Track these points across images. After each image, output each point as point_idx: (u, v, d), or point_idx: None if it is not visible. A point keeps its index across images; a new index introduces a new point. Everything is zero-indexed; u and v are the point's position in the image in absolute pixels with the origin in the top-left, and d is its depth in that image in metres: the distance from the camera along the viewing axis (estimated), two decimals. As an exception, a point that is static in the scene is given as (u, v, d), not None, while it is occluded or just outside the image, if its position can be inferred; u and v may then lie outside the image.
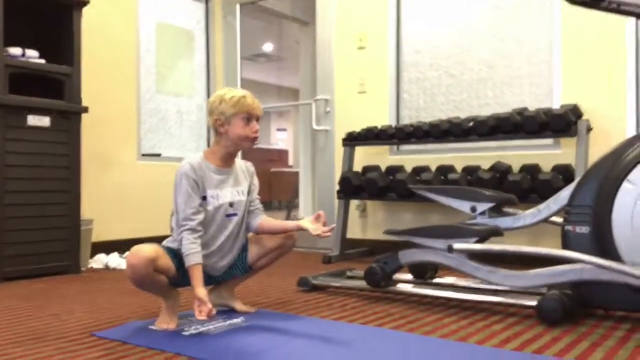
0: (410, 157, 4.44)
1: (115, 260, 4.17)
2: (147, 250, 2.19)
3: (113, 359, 1.90)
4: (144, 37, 4.97)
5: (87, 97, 4.00)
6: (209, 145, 5.56)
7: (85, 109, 3.92)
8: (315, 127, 5.01)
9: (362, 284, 2.99)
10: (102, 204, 4.45)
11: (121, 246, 4.42)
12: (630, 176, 2.33)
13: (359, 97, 4.73)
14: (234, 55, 5.66)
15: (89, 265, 4.11)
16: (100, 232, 4.35)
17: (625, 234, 2.32)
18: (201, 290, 2.18)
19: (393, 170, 4.24)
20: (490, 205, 2.85)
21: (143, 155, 4.91)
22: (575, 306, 2.40)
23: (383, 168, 4.32)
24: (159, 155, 5.05)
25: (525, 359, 1.90)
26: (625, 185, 2.34)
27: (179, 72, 5.32)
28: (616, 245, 2.34)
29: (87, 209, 4.16)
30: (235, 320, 2.42)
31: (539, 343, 2.09)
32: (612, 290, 2.35)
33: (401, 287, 2.97)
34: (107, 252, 4.34)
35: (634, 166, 2.33)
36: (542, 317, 2.35)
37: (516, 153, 3.98)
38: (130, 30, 4.78)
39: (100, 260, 4.17)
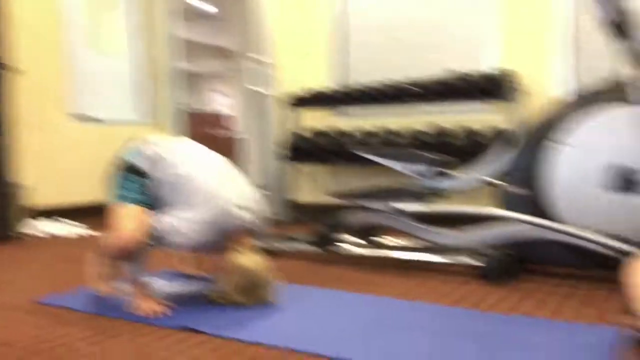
0: (356, 121, 4.47)
1: (52, 226, 4.05)
2: (135, 231, 2.05)
3: (61, 325, 1.88)
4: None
5: (14, 56, 3.81)
6: (141, 104, 5.41)
7: (12, 67, 3.72)
8: (257, 89, 4.95)
9: (309, 247, 3.03)
10: (35, 168, 4.28)
11: (57, 212, 4.30)
12: (564, 137, 2.45)
13: (302, 59, 4.70)
14: (169, 13, 5.48)
15: (29, 232, 3.98)
16: (35, 197, 4.20)
17: (561, 194, 2.45)
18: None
19: (339, 133, 4.27)
20: (432, 167, 2.94)
21: (75, 116, 4.73)
22: (515, 264, 2.53)
23: (329, 131, 4.35)
24: (92, 117, 4.87)
25: (469, 316, 2.00)
26: (559, 146, 2.46)
27: (110, 31, 5.12)
28: (552, 205, 2.47)
29: (20, 173, 4.00)
30: (182, 285, 2.42)
31: (479, 299, 2.19)
32: (549, 247, 2.48)
33: (348, 248, 3.03)
34: (43, 218, 4.21)
35: (567, 127, 2.45)
36: (483, 275, 2.47)
37: (457, 116, 4.08)
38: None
39: (36, 227, 4.04)
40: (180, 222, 2.03)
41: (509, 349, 1.63)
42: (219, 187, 2.13)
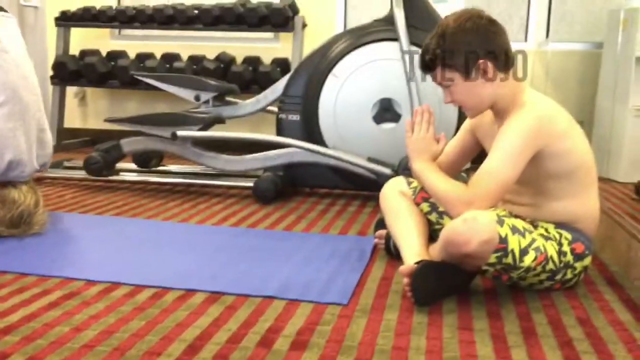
0: (134, 43, 4.22)
1: None
2: None
3: None
4: None
5: None
6: None
7: None
8: (22, 2, 4.39)
9: (82, 174, 2.87)
10: None
11: None
12: (335, 70, 2.61)
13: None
14: None
15: None
16: None
17: (328, 121, 2.63)
18: None
19: (115, 55, 4.01)
20: (214, 94, 2.93)
21: None
22: (286, 186, 2.69)
23: (104, 53, 4.05)
24: None
25: (240, 233, 2.09)
26: (330, 78, 2.62)
27: None
28: (321, 131, 2.65)
29: None
30: None
31: (254, 218, 2.30)
32: (317, 171, 2.68)
33: (125, 175, 2.93)
34: None
35: (338, 60, 2.61)
36: (257, 196, 2.58)
37: (240, 45, 4.08)
38: None
39: None
40: None
41: (276, 258, 1.74)
42: (19, 123, 1.91)
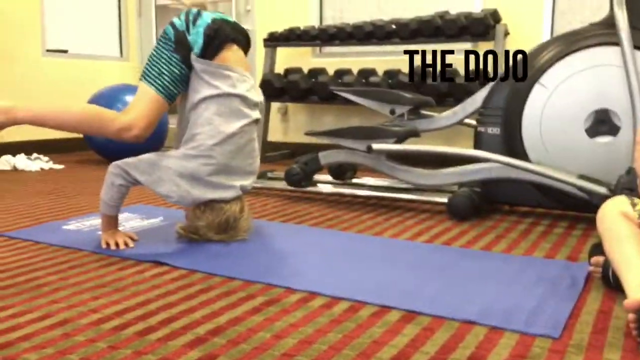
0: (333, 60, 4.38)
1: (22, 161, 3.96)
2: (138, 121, 1.90)
3: (23, 259, 1.84)
4: None
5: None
6: (120, 40, 5.23)
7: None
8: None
9: (282, 185, 3.01)
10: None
11: (28, 147, 4.20)
12: (542, 79, 2.42)
13: (281, -4, 4.55)
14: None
15: (-4, 168, 3.90)
16: (6, 133, 4.09)
17: (533, 134, 2.43)
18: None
19: (315, 72, 4.19)
20: (409, 107, 2.90)
21: (48, 51, 4.57)
22: (483, 202, 2.55)
23: (305, 70, 4.26)
24: (65, 51, 4.72)
25: (434, 250, 2.01)
26: (537, 88, 2.43)
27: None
28: (524, 145, 2.46)
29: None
30: (153, 220, 2.39)
31: (447, 236, 2.21)
32: (518, 187, 2.50)
33: (321, 187, 3.02)
34: (14, 154, 4.12)
35: (547, 69, 2.41)
36: (451, 212, 2.48)
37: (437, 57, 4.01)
38: None
39: (7, 162, 3.95)
40: (169, 173, 1.92)
41: (474, 280, 1.64)
42: (233, 155, 2.02)
